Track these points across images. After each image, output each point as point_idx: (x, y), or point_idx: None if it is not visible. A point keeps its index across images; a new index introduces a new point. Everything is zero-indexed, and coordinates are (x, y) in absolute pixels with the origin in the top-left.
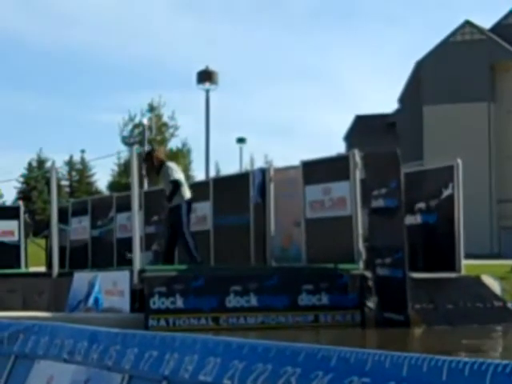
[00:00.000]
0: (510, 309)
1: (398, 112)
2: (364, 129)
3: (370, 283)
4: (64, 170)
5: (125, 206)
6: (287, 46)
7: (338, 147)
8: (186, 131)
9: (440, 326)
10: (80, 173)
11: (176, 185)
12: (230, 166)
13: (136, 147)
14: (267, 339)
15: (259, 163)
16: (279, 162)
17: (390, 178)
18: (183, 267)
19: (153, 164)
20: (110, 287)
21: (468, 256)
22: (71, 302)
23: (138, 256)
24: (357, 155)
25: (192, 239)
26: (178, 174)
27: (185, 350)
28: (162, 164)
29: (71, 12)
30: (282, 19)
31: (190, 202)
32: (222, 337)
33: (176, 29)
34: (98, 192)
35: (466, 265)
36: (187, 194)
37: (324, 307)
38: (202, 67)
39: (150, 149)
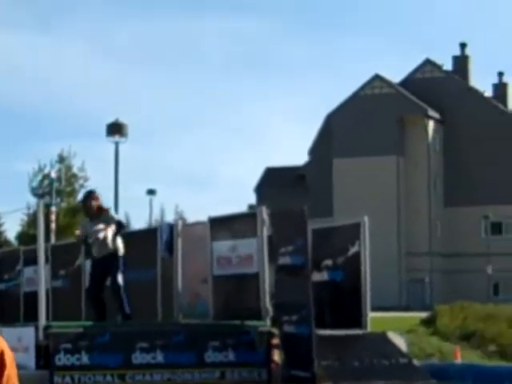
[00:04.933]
0: (416, 366)
1: (308, 164)
2: (274, 181)
3: (277, 340)
4: None
5: (32, 259)
6: (201, 97)
7: (249, 198)
8: (96, 182)
9: (346, 383)
10: None
11: (121, 226)
12: (140, 218)
13: (43, 201)
14: None
15: (170, 214)
16: (190, 213)
17: (297, 235)
18: (89, 323)
19: (91, 206)
20: (15, 343)
21: (377, 308)
22: None
23: (43, 312)
24: (264, 212)
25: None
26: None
27: None
28: (100, 208)
29: None
30: (196, 70)
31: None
32: None
33: (89, 77)
34: (6, 242)
35: (375, 317)
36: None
37: (231, 364)
38: (113, 117)
39: (90, 191)
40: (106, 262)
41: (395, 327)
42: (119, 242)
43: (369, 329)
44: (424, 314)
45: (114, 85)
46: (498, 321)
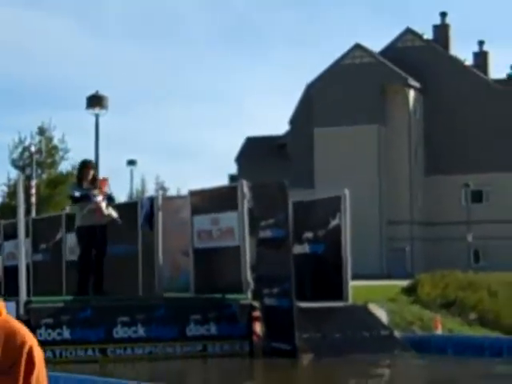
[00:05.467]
0: (397, 337)
1: (288, 134)
2: (255, 150)
3: (258, 313)
4: None
5: (12, 233)
6: (181, 69)
7: (229, 168)
8: (77, 153)
9: (327, 355)
10: None
11: (111, 199)
12: (120, 189)
13: (23, 176)
14: (156, 370)
15: (151, 185)
16: (171, 183)
17: (278, 208)
18: (70, 298)
19: (87, 174)
20: None
21: (359, 277)
22: None
23: (23, 287)
24: (245, 185)
25: None
26: None
27: None
28: (95, 178)
29: None
30: (178, 41)
31: None
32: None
33: (70, 50)
34: None
35: (357, 286)
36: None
37: (212, 337)
38: (94, 89)
39: (87, 160)
40: (97, 232)
41: (376, 296)
42: (113, 212)
43: (350, 301)
44: (405, 283)
45: (96, 57)
46: (478, 288)
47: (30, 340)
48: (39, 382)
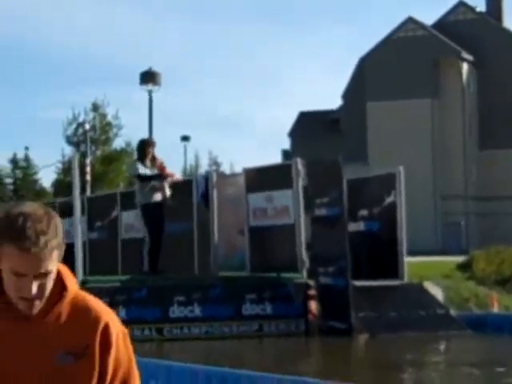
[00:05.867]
0: (452, 316)
1: (341, 108)
2: (308, 125)
3: (314, 291)
4: (8, 169)
5: (68, 211)
6: (235, 42)
7: (283, 143)
8: (131, 129)
9: (383, 334)
10: (24, 171)
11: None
12: (175, 165)
13: (77, 154)
14: (212, 349)
15: (204, 160)
16: (224, 159)
17: (332, 186)
18: (126, 277)
19: (148, 152)
20: None
21: (413, 253)
22: None
23: (80, 267)
24: (299, 163)
25: None
26: None
27: None
28: (154, 157)
29: (18, 7)
30: (229, 15)
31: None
32: (165, 360)
33: (124, 25)
34: (42, 190)
35: (412, 262)
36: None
37: (268, 316)
38: (148, 65)
39: (148, 139)
40: (156, 210)
41: (432, 272)
42: (168, 191)
43: (405, 279)
44: (460, 258)
45: (149, 33)
46: None
47: (106, 316)
48: (120, 364)
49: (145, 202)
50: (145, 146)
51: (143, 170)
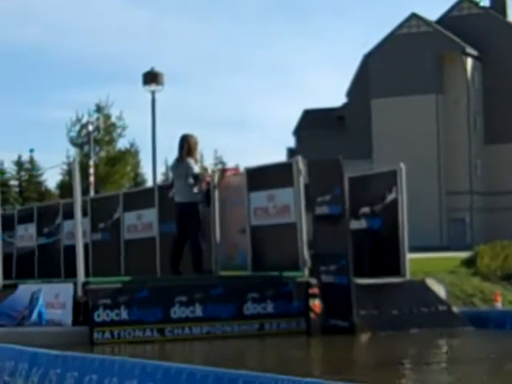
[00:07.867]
0: (455, 313)
1: (346, 105)
2: (313, 123)
3: (316, 290)
4: (13, 170)
5: (72, 212)
6: (238, 40)
7: (288, 141)
8: (134, 129)
9: (385, 332)
10: (29, 172)
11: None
12: None
13: (78, 157)
14: (213, 349)
15: (209, 159)
16: (229, 157)
17: (334, 184)
18: (127, 278)
19: (187, 149)
20: (52, 300)
21: (418, 249)
22: (9, 313)
23: (81, 268)
24: (300, 162)
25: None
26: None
27: (124, 375)
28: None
29: (24, 7)
30: (232, 13)
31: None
32: (162, 362)
33: (127, 24)
34: (47, 191)
35: (416, 259)
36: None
37: (269, 315)
38: (151, 64)
39: (188, 134)
40: (189, 209)
41: (436, 268)
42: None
43: (408, 276)
44: (465, 254)
45: (150, 32)
46: None
47: None
48: None
49: (194, 200)
50: (194, 143)
51: (197, 168)
